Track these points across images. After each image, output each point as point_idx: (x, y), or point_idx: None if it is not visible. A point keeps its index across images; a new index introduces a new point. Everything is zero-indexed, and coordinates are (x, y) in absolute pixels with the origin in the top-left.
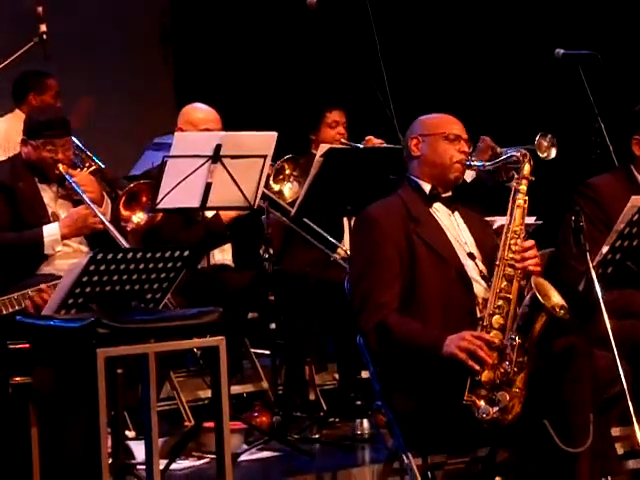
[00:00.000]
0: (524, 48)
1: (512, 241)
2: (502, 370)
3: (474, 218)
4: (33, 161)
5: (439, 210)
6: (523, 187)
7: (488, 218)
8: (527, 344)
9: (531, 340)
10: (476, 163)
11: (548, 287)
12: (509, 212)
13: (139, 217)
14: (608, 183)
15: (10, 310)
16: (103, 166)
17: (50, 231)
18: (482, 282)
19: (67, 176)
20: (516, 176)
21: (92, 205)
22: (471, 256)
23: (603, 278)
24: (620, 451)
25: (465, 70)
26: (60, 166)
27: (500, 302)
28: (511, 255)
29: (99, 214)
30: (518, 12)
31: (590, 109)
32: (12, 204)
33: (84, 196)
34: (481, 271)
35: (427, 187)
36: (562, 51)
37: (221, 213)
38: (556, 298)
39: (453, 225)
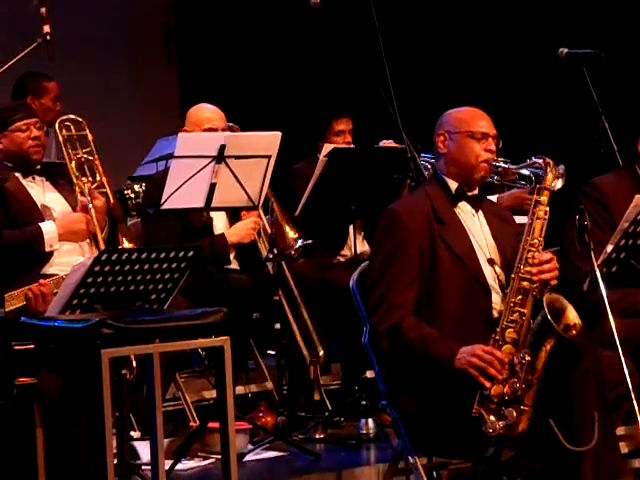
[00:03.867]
0: (528, 47)
1: (529, 254)
2: (511, 386)
3: (497, 218)
4: (13, 152)
5: (464, 210)
6: (544, 198)
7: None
8: (536, 363)
9: (540, 359)
10: (502, 164)
11: (563, 303)
12: (528, 224)
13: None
14: (612, 182)
15: (11, 307)
16: (112, 200)
17: (48, 228)
18: (499, 289)
19: (87, 196)
20: (537, 186)
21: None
22: (491, 262)
23: (608, 277)
24: (625, 450)
25: (469, 69)
26: (86, 187)
27: (514, 316)
28: (527, 268)
29: (97, 229)
30: (522, 11)
31: (594, 108)
32: (3, 204)
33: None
34: (499, 278)
35: (454, 185)
36: (566, 50)
37: (227, 235)
38: (571, 315)
39: (476, 227)
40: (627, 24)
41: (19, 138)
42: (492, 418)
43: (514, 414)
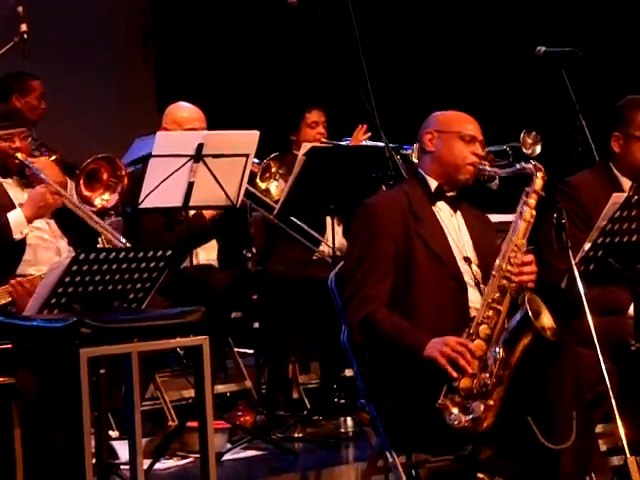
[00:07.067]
0: (505, 46)
1: (512, 254)
2: (481, 381)
3: (475, 219)
4: None
5: (442, 209)
6: (532, 201)
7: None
8: (510, 359)
9: (514, 356)
10: (489, 169)
11: (540, 305)
12: (514, 224)
13: (103, 199)
14: (587, 180)
15: None
16: (54, 156)
17: (14, 215)
18: (475, 287)
19: (27, 162)
20: (527, 189)
21: (54, 185)
22: (467, 260)
23: (585, 275)
24: (603, 448)
25: (447, 68)
26: (19, 154)
27: (490, 312)
28: (509, 267)
29: (62, 192)
30: (499, 10)
31: (572, 106)
32: None
33: (46, 178)
34: (475, 276)
35: (433, 184)
36: (543, 48)
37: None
38: (547, 318)
39: (454, 226)
40: (604, 22)
41: (1, 144)
42: (456, 410)
43: (481, 408)
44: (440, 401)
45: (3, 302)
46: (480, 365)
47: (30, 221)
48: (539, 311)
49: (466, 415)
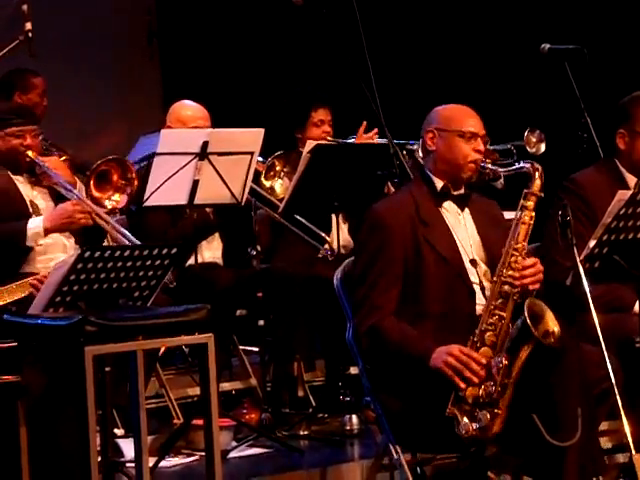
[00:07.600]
0: (510, 43)
1: (512, 259)
2: (487, 389)
3: (484, 215)
4: (3, 152)
5: (448, 210)
6: (530, 204)
7: None
8: (513, 366)
9: (517, 364)
10: (490, 166)
11: (544, 309)
12: (513, 228)
13: (114, 200)
14: (592, 177)
15: (8, 300)
16: (64, 157)
17: (34, 223)
18: (480, 291)
19: (37, 160)
20: (525, 191)
21: (88, 202)
22: (473, 263)
23: (590, 272)
24: (608, 445)
25: (451, 66)
26: (30, 152)
27: (493, 319)
28: (510, 273)
29: (94, 207)
30: (504, 7)
31: (576, 104)
32: None
33: (59, 179)
34: (481, 280)
35: (439, 184)
36: (548, 46)
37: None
38: (550, 322)
39: (460, 226)
40: (609, 19)
41: (11, 143)
42: (465, 420)
43: (488, 417)
44: (448, 410)
45: (22, 295)
46: (486, 372)
47: (48, 233)
48: (542, 315)
49: (474, 423)
